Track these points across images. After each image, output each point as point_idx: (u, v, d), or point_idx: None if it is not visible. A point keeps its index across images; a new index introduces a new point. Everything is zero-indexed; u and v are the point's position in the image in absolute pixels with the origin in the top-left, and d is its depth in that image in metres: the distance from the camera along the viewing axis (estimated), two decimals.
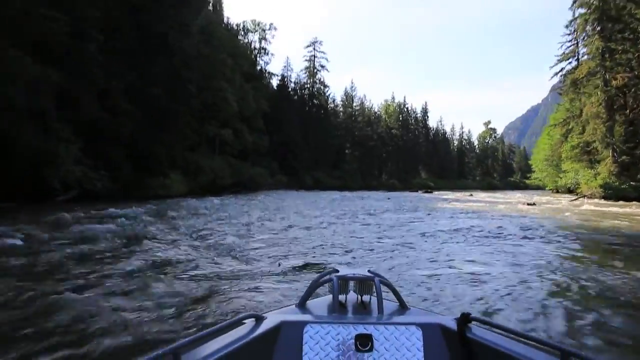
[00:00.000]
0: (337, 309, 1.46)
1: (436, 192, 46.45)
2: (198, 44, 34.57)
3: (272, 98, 67.95)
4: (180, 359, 1.06)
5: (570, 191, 45.69)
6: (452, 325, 1.32)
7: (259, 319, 1.33)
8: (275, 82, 69.50)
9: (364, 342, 1.28)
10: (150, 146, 24.30)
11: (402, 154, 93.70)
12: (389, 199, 27.64)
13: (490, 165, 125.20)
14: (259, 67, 59.61)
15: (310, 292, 1.57)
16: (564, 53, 40.79)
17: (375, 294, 1.51)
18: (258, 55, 59.32)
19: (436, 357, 1.29)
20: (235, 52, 43.67)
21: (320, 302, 1.60)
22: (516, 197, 32.22)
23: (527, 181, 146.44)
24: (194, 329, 3.05)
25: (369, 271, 1.60)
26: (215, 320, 3.23)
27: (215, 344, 1.17)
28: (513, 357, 1.14)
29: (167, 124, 26.01)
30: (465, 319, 1.29)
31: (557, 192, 52.12)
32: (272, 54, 60.23)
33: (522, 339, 1.19)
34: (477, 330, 1.28)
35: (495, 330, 1.26)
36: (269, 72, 62.02)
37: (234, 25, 52.34)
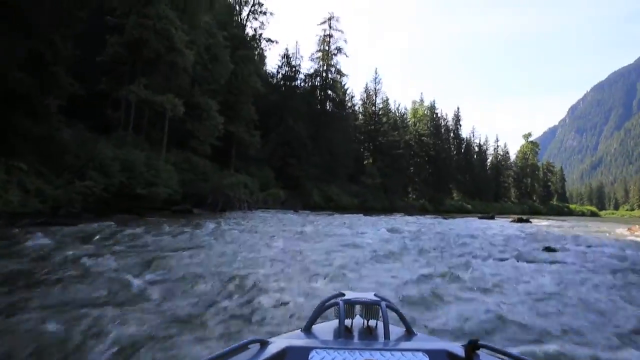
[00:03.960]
0: (343, 334, 1.37)
1: (535, 221, 28.27)
2: None
3: (271, 83, 50.88)
4: None
5: None
6: (460, 352, 1.21)
7: (264, 344, 1.23)
8: (275, 57, 51.68)
9: None
10: None
11: (433, 167, 75.70)
12: (523, 239, 10.03)
13: (529, 185, 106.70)
14: (251, 32, 41.76)
15: (315, 316, 1.48)
16: None
17: (381, 319, 1.41)
18: (251, 14, 41.45)
19: None
20: None
21: (326, 327, 1.49)
22: None
23: (573, 206, 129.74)
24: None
25: (375, 295, 1.51)
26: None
27: None
28: None
29: None
30: (473, 346, 1.18)
31: None
32: (270, 14, 42.20)
33: None
34: (486, 358, 1.18)
35: (505, 358, 1.15)
36: (266, 39, 43.71)
37: None
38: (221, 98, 33.42)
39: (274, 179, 41.07)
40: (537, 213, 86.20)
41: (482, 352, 1.18)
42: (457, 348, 1.23)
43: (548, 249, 9.51)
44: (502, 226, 19.24)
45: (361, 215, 29.15)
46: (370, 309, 1.46)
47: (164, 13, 20.34)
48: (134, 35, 19.80)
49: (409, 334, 1.46)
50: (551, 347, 2.96)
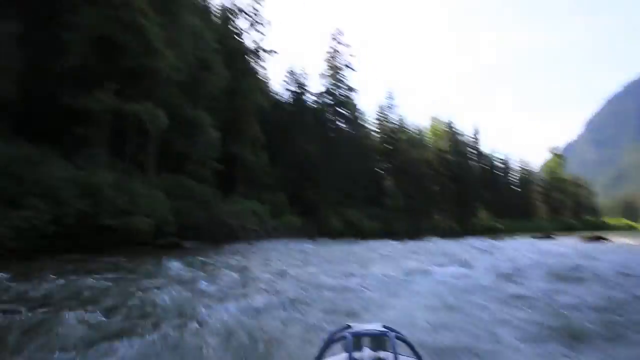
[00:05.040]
0: None
1: (613, 238, 23.18)
2: None
3: (277, 101, 47.20)
4: None
5: None
6: None
7: None
8: (279, 73, 47.73)
9: None
10: None
11: (457, 186, 70.59)
12: None
13: (560, 201, 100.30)
14: (251, 45, 37.91)
15: (323, 351, 1.32)
16: None
17: (391, 350, 1.26)
18: (248, 27, 37.64)
19: None
20: None
21: None
22: None
23: (610, 220, 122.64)
24: None
25: (383, 326, 1.37)
26: None
27: None
28: None
29: None
30: None
31: None
32: (268, 22, 38.34)
33: None
34: None
35: None
36: (267, 50, 39.64)
37: None
38: (221, 117, 29.68)
39: (288, 205, 36.78)
40: (572, 229, 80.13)
41: None
42: None
43: None
44: (603, 250, 14.31)
45: (389, 240, 24.57)
46: (379, 340, 1.34)
47: (133, 2, 16.45)
48: (94, 31, 15.98)
49: None
50: None
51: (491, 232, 62.49)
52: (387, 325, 1.36)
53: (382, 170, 61.60)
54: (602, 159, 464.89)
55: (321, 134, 47.38)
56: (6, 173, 11.72)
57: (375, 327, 1.35)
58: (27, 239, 10.99)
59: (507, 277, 6.64)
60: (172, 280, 6.36)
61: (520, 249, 14.95)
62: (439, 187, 68.55)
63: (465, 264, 8.74)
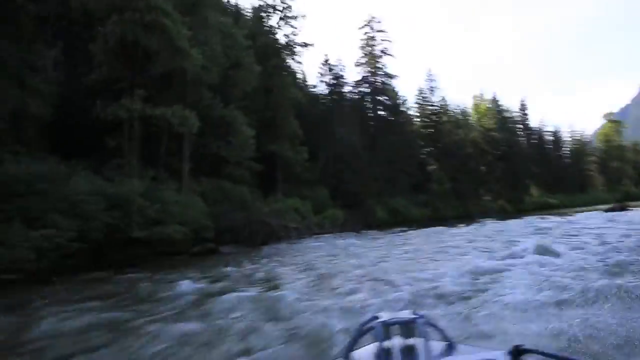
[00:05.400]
0: (383, 357, 1.28)
1: None
2: None
3: (314, 94, 46.21)
4: None
5: None
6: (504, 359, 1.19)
7: None
8: (314, 66, 46.53)
9: None
10: None
11: (506, 164, 67.12)
12: None
13: (618, 170, 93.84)
14: (284, 40, 36.82)
15: (353, 342, 1.38)
16: None
17: (420, 336, 1.32)
18: (281, 20, 36.61)
19: None
20: None
21: (365, 352, 1.39)
22: None
23: None
24: None
25: (411, 312, 1.41)
26: None
27: None
28: None
29: None
30: (517, 352, 1.16)
31: None
32: (302, 17, 37.20)
33: None
34: None
35: None
36: (301, 44, 38.44)
37: None
38: (257, 115, 28.90)
39: (330, 199, 35.65)
40: (637, 199, 74.92)
41: (527, 357, 1.14)
42: (501, 356, 1.19)
43: None
44: None
45: (439, 227, 22.93)
46: (407, 327, 1.37)
47: (155, 3, 15.64)
48: (117, 35, 15.30)
49: (451, 348, 1.37)
50: None
51: (545, 208, 59.02)
52: (414, 311, 1.35)
53: (426, 155, 59.43)
54: None
55: (361, 124, 46.02)
56: (30, 191, 11.13)
57: (403, 314, 1.32)
58: (49, 259, 10.35)
59: (628, 271, 5.08)
60: (167, 311, 5.34)
61: (598, 225, 13.14)
62: (486, 167, 65.49)
63: (547, 251, 7.21)
